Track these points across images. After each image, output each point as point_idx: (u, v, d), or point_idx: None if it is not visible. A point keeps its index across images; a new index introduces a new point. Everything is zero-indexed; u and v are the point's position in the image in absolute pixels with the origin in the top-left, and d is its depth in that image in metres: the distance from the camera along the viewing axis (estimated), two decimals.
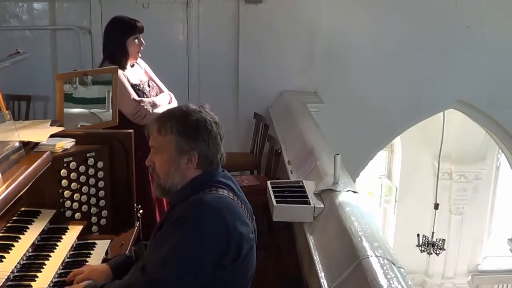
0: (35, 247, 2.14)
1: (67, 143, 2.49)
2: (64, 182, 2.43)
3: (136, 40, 3.47)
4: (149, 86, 3.61)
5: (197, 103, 1.95)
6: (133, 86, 3.47)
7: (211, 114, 1.90)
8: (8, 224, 2.15)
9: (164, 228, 1.81)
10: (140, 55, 3.57)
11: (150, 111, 3.39)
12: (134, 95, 3.42)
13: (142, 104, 3.39)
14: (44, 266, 2.02)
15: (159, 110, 3.48)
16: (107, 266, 2.04)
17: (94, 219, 2.54)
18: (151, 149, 1.92)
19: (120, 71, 3.38)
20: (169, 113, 1.92)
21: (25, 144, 2.28)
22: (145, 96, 3.51)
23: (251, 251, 1.86)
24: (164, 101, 3.61)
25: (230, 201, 1.84)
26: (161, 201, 3.49)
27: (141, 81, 3.57)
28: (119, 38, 3.43)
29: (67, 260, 2.16)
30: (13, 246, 2.01)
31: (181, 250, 1.71)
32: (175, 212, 1.81)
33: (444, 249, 8.26)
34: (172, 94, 3.70)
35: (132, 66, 3.59)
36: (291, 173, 3.70)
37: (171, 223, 1.77)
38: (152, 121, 1.92)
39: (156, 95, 3.62)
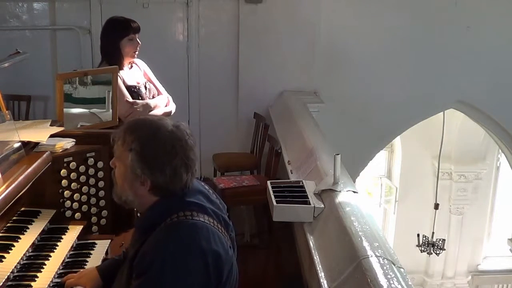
0: (35, 247, 2.14)
1: (67, 143, 2.50)
2: (64, 182, 2.43)
3: (131, 41, 3.44)
4: (146, 88, 3.57)
5: (176, 121, 1.78)
6: (128, 87, 3.44)
7: (181, 136, 1.71)
8: (8, 224, 2.15)
9: (137, 273, 1.66)
10: (136, 55, 3.53)
11: (144, 114, 3.34)
12: (128, 96, 3.40)
13: (135, 106, 3.37)
14: (44, 266, 2.02)
15: (156, 112, 3.46)
16: (96, 271, 1.99)
17: (94, 219, 2.54)
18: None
19: None
20: (138, 124, 1.76)
21: (25, 144, 2.28)
22: (140, 98, 3.48)
23: (232, 268, 1.76)
24: (161, 103, 3.56)
25: (200, 225, 1.68)
26: None
27: (137, 83, 3.53)
28: (113, 40, 3.42)
29: (67, 260, 2.16)
30: (13, 246, 2.01)
31: None
32: (145, 253, 1.66)
33: (444, 249, 8.26)
34: (170, 97, 3.66)
35: (131, 67, 3.56)
36: (291, 173, 3.69)
37: (144, 272, 1.63)
38: (121, 127, 1.79)
39: (153, 98, 3.57)
